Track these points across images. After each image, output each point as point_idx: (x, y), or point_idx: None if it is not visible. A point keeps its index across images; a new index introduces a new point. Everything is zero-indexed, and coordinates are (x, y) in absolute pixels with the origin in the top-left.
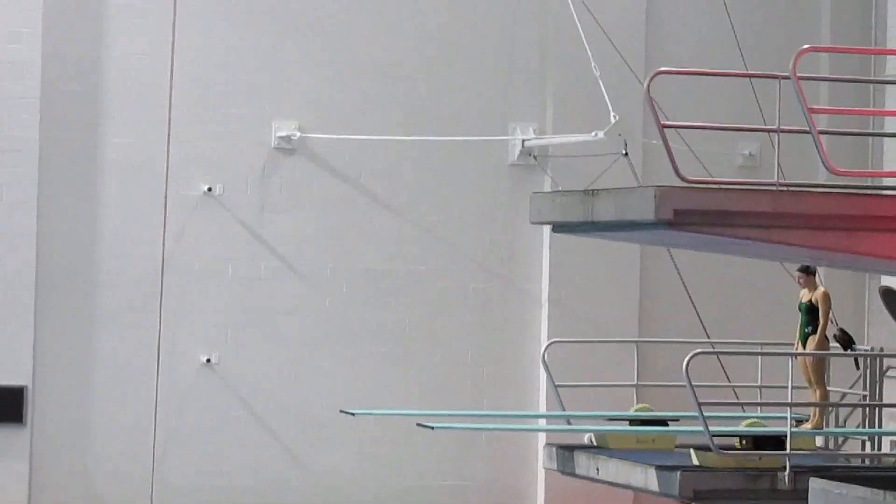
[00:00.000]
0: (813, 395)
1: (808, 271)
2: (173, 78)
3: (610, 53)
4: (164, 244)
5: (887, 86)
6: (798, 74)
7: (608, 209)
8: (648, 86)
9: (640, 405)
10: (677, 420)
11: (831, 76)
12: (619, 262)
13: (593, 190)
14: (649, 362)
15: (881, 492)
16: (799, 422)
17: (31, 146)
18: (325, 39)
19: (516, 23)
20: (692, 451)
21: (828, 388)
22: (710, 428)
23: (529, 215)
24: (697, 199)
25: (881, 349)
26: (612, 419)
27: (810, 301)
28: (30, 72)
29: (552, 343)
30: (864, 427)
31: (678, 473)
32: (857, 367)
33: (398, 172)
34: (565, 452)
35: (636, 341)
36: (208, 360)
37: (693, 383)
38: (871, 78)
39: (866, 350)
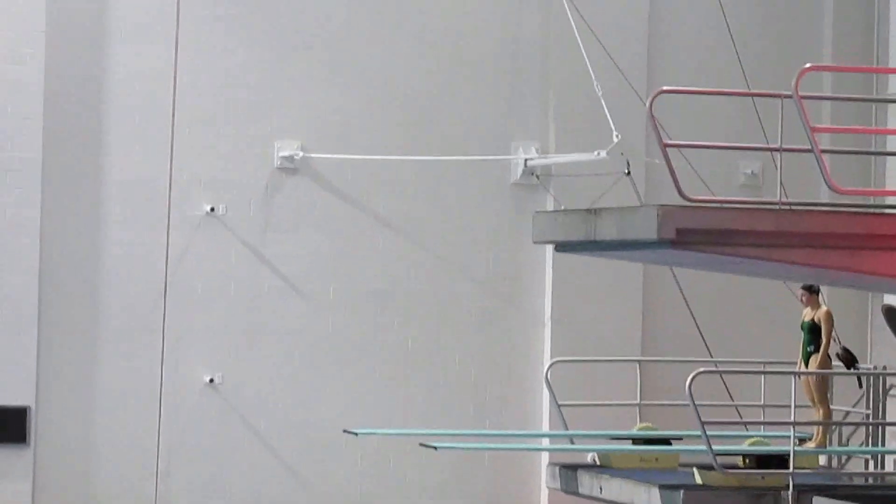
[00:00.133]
0: (816, 414)
1: (811, 290)
2: (176, 98)
3: (612, 72)
4: (166, 264)
5: (889, 104)
6: (800, 93)
7: (611, 228)
8: (651, 105)
9: (643, 424)
10: (680, 439)
11: (833, 95)
12: (622, 281)
13: (596, 209)
14: (652, 381)
15: None
16: (802, 440)
17: (34, 166)
18: (328, 59)
19: (519, 42)
20: (695, 469)
21: (831, 406)
22: (714, 446)
23: (532, 234)
24: (700, 218)
25: (884, 368)
26: (615, 438)
27: (813, 320)
28: (33, 92)
29: (555, 362)
30: (867, 446)
31: (681, 492)
32: (860, 386)
33: (401, 192)
34: (568, 472)
35: (639, 360)
36: (211, 380)
37: (696, 402)
38: (874, 96)
39: (869, 369)
